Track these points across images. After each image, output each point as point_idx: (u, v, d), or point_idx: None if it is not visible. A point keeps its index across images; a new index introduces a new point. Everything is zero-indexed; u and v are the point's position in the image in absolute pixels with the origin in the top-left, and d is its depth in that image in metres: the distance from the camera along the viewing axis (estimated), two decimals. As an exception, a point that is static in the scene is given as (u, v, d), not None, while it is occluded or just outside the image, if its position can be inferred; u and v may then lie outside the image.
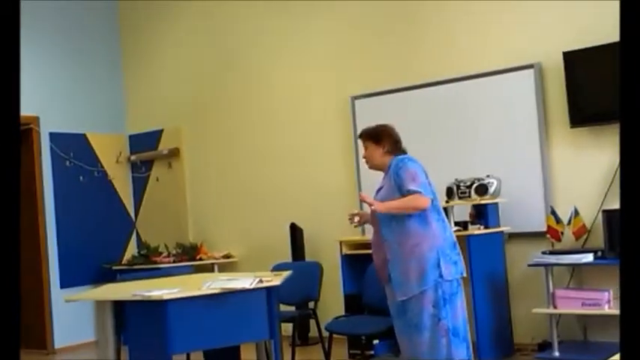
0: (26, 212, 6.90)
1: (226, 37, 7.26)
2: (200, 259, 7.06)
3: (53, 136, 7.28)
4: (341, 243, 5.91)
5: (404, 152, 4.08)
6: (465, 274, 4.01)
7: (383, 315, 4.86)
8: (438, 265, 3.85)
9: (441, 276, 3.84)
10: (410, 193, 3.84)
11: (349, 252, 5.88)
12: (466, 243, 5.01)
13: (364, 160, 4.18)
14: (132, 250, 7.77)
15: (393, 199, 3.90)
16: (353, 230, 6.24)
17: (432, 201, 3.91)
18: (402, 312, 3.95)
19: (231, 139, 7.23)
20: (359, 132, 4.26)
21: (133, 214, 7.91)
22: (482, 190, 5.26)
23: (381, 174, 4.14)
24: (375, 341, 5.10)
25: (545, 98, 5.41)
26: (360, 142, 4.23)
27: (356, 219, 4.12)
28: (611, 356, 2.44)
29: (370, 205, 3.88)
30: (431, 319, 3.85)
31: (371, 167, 4.16)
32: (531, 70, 5.42)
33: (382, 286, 4.16)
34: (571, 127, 5.24)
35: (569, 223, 5.07)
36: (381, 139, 4.06)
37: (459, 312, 3.93)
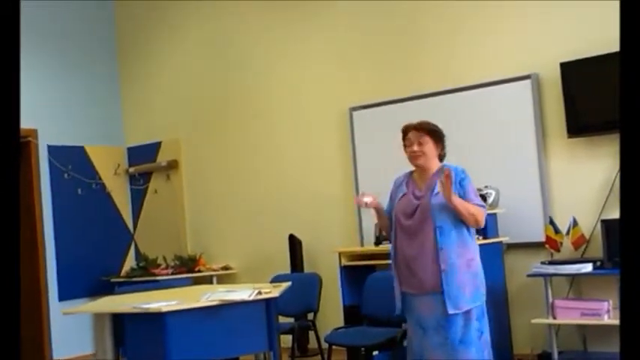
0: (24, 225, 6.88)
1: (224, 49, 7.28)
2: (199, 271, 7.04)
3: (51, 149, 7.28)
4: (340, 254, 5.90)
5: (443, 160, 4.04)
6: None
7: (382, 326, 4.86)
8: (484, 282, 3.88)
9: (484, 293, 3.87)
10: (477, 206, 3.82)
11: (348, 263, 5.87)
12: (465, 253, 5.00)
13: (416, 152, 3.90)
14: (130, 262, 7.75)
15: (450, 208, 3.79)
16: (352, 241, 6.25)
17: None
18: (443, 325, 3.79)
19: (230, 151, 7.23)
20: (416, 123, 3.97)
21: (131, 226, 7.89)
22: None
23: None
24: (375, 353, 5.08)
25: (543, 109, 5.42)
26: (406, 132, 3.98)
27: (367, 199, 3.92)
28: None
29: (448, 188, 3.69)
30: (476, 334, 3.81)
31: (418, 165, 3.94)
32: (528, 81, 5.44)
33: (408, 294, 3.93)
34: (568, 138, 5.24)
35: (567, 233, 5.06)
36: (440, 140, 3.97)
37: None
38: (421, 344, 3.92)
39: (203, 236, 7.40)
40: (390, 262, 4.10)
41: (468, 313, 3.79)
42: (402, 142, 4.02)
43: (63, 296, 7.14)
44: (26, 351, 6.81)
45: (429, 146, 3.92)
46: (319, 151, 6.61)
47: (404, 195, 3.98)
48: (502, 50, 5.60)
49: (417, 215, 3.87)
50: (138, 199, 7.87)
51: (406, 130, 3.99)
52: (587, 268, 4.89)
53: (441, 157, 4.02)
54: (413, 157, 3.94)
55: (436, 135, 3.96)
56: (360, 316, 5.27)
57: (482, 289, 3.87)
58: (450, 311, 3.74)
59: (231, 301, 4.20)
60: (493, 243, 5.27)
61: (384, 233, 5.58)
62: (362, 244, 6.17)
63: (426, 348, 3.89)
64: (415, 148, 3.91)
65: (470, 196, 3.84)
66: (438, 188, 3.81)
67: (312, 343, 5.92)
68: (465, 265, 3.80)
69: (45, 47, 7.36)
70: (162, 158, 7.67)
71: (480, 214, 3.83)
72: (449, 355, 3.79)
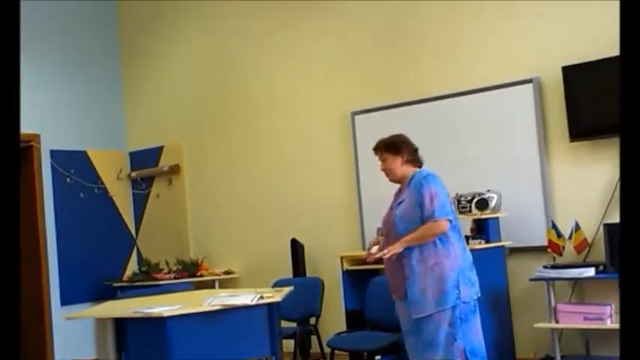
0: (26, 230, 6.89)
1: (226, 53, 7.29)
2: (201, 276, 7.04)
3: (54, 154, 7.28)
4: (342, 258, 5.90)
5: (421, 161, 4.10)
6: (479, 295, 3.99)
7: (385, 330, 4.86)
8: (458, 287, 3.83)
9: (459, 297, 3.82)
10: (428, 218, 3.83)
11: (350, 267, 5.86)
12: (467, 258, 5.00)
13: (383, 172, 4.10)
14: (132, 266, 7.75)
15: (414, 214, 3.88)
16: (354, 246, 6.25)
17: (451, 221, 3.89)
18: (416, 330, 3.90)
19: (232, 155, 7.24)
20: (374, 145, 4.16)
21: (133, 231, 7.90)
22: (482, 204, 5.25)
23: (380, 184, 4.15)
24: (377, 357, 5.08)
25: (545, 112, 5.42)
26: (375, 154, 4.16)
27: (374, 248, 4.04)
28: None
29: (386, 254, 3.84)
30: (446, 339, 3.81)
31: (392, 180, 4.10)
32: (530, 85, 5.43)
33: (393, 300, 4.10)
34: (571, 141, 5.24)
35: (570, 237, 5.05)
36: (400, 149, 4.03)
37: (477, 332, 3.90)
38: (406, 347, 4.07)
39: (205, 241, 7.40)
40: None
41: (438, 317, 3.81)
42: None
43: (65, 301, 7.13)
44: (29, 356, 6.81)
45: (390, 161, 4.06)
46: (321, 156, 6.61)
47: (389, 207, 4.15)
48: (504, 54, 5.60)
49: (388, 224, 4.03)
50: (140, 204, 7.87)
51: (374, 152, 4.17)
52: (590, 272, 4.88)
53: (415, 162, 4.09)
54: (385, 175, 4.12)
55: (393, 147, 4.06)
56: (362, 321, 5.28)
57: (456, 293, 3.82)
58: (414, 316, 3.86)
59: (234, 305, 4.20)
60: (495, 247, 5.27)
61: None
62: (364, 249, 6.15)
63: (408, 350, 4.05)
64: (382, 167, 4.11)
65: (424, 203, 3.86)
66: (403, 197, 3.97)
67: (315, 348, 5.92)
68: (428, 270, 3.84)
69: (47, 52, 7.37)
70: (165, 163, 7.67)
71: (431, 229, 3.85)
72: (419, 356, 3.90)
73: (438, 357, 3.82)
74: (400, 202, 3.99)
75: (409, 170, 4.03)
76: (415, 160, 4.08)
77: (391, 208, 4.09)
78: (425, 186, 3.88)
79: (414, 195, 3.91)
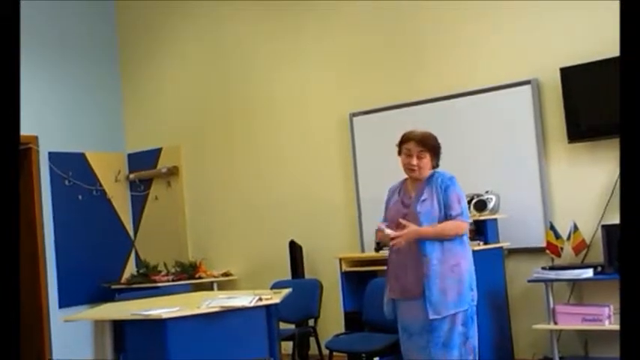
0: (25, 232, 6.88)
1: (225, 55, 7.29)
2: (199, 278, 7.03)
3: (52, 156, 7.27)
4: (340, 260, 5.90)
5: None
6: None
7: (383, 332, 4.86)
8: (472, 288, 3.89)
9: (473, 299, 3.89)
10: (452, 217, 3.86)
11: (349, 269, 5.86)
12: (466, 259, 5.00)
13: (412, 166, 3.96)
14: (131, 268, 7.74)
15: (439, 214, 3.88)
16: (353, 247, 6.25)
17: (471, 224, 3.98)
18: (428, 330, 3.87)
19: (230, 157, 7.24)
20: (416, 135, 4.00)
21: (131, 233, 7.89)
22: (481, 205, 5.26)
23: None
24: (376, 359, 5.08)
25: (543, 114, 5.43)
26: (406, 143, 4.02)
27: (388, 231, 3.89)
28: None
29: (403, 231, 3.82)
30: (460, 338, 3.85)
31: (414, 176, 4.01)
32: (528, 86, 5.44)
33: (392, 300, 4.05)
34: (569, 143, 5.25)
35: (568, 238, 5.06)
36: (438, 154, 4.02)
37: (476, 332, 3.95)
38: (407, 348, 4.01)
39: (204, 242, 7.40)
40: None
41: (452, 317, 3.84)
42: (397, 146, 4.08)
43: (63, 303, 7.12)
44: (26, 358, 6.80)
45: (426, 161, 3.99)
46: (320, 157, 6.61)
47: (395, 202, 4.08)
48: (502, 56, 5.61)
49: (408, 221, 3.93)
50: (138, 206, 7.87)
51: (407, 139, 4.03)
52: (588, 273, 4.89)
53: (434, 167, 4.08)
54: (409, 170, 4.02)
55: (436, 151, 4.03)
56: (360, 322, 5.27)
57: (471, 295, 3.89)
58: (431, 316, 3.83)
59: (232, 307, 4.20)
60: (494, 248, 5.27)
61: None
62: (362, 250, 6.16)
63: (410, 350, 3.99)
64: (413, 162, 3.98)
65: (450, 204, 3.89)
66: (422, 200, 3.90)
67: (313, 350, 5.92)
68: (448, 271, 3.85)
69: (46, 54, 7.36)
70: (163, 165, 7.67)
71: (457, 226, 3.89)
72: (431, 357, 3.87)
73: (454, 357, 3.83)
74: (423, 200, 3.94)
75: (429, 172, 4.04)
76: (436, 166, 4.08)
77: (403, 204, 4.02)
78: (451, 188, 3.92)
79: (440, 194, 3.91)
